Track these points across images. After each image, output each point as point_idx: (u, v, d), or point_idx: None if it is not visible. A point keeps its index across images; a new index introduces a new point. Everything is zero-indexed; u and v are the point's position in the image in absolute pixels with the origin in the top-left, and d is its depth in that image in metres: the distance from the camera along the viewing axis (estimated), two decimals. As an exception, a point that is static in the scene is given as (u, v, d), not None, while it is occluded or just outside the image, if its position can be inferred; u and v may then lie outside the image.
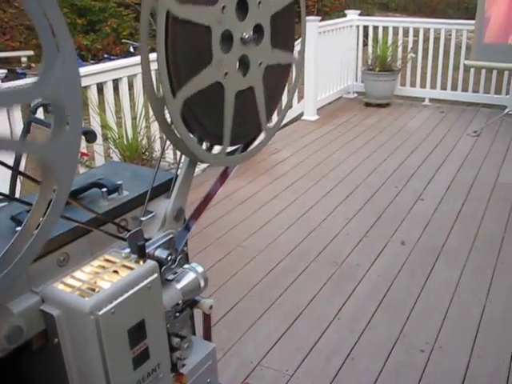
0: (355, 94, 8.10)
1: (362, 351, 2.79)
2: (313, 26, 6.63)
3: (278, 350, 2.79)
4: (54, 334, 1.04)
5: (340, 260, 3.64)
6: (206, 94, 1.13)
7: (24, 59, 12.99)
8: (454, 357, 2.73)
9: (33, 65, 13.07)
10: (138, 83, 4.46)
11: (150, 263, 1.08)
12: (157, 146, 4.47)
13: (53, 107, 0.84)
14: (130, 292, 1.02)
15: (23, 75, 11.11)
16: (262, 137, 1.37)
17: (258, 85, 1.25)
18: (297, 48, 1.40)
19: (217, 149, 1.24)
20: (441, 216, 4.27)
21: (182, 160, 1.27)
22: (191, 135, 1.16)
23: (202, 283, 1.24)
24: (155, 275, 1.07)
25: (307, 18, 6.67)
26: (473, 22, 6.58)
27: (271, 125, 1.36)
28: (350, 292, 3.28)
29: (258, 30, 1.23)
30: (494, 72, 7.09)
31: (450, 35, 7.47)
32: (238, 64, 1.21)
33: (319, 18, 6.90)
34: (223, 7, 1.12)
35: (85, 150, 3.85)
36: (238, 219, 4.20)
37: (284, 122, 6.59)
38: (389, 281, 3.40)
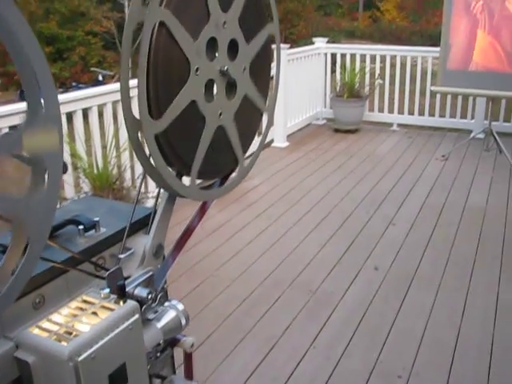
0: (324, 121, 8.17)
1: (339, 379, 2.76)
2: (282, 53, 6.68)
3: (255, 381, 2.75)
4: (30, 383, 0.98)
5: (314, 287, 3.62)
6: (185, 122, 1.13)
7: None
8: (431, 383, 2.72)
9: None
10: (108, 112, 4.43)
11: (131, 303, 1.04)
12: (127, 175, 4.42)
13: (32, 161, 0.82)
14: (111, 335, 0.98)
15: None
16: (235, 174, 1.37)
17: (230, 124, 1.26)
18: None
19: (195, 183, 1.23)
20: (413, 240, 4.30)
21: (161, 195, 1.25)
22: (169, 168, 1.15)
23: (183, 321, 1.21)
24: (136, 316, 1.04)
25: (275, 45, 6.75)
26: (437, 49, 6.72)
27: (246, 162, 1.36)
28: (326, 319, 3.26)
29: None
30: (460, 97, 7.24)
31: (416, 61, 7.61)
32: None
33: (288, 45, 6.96)
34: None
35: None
36: (211, 248, 4.17)
37: (253, 149, 6.58)
38: (364, 307, 3.39)
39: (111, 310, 1.02)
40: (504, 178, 5.76)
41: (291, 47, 7.32)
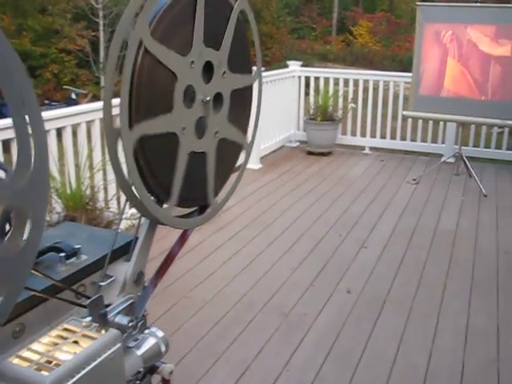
0: (297, 143, 8.24)
1: (312, 404, 2.76)
2: (256, 75, 6.72)
3: (228, 406, 2.74)
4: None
5: (287, 310, 3.63)
6: (162, 142, 1.14)
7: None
8: (403, 407, 2.74)
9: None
10: (83, 132, 4.41)
11: (113, 332, 1.04)
12: (100, 196, 4.40)
13: (16, 214, 0.82)
14: (93, 364, 0.97)
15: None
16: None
17: (211, 152, 1.27)
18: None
19: (174, 210, 1.24)
20: (384, 264, 4.34)
21: (142, 222, 1.25)
22: (149, 195, 1.15)
23: (163, 348, 1.21)
24: (118, 345, 1.03)
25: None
26: (409, 74, 6.85)
27: (218, 199, 1.38)
28: (298, 342, 3.27)
29: (219, 98, 1.25)
30: (431, 122, 7.37)
31: (388, 86, 7.74)
32: (195, 125, 1.21)
33: (263, 68, 7.01)
34: (192, 62, 1.14)
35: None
36: (184, 269, 4.15)
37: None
38: (336, 330, 3.40)
39: (93, 338, 1.02)
40: (473, 202, 5.86)
41: (265, 70, 7.38)
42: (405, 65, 16.93)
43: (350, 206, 5.67)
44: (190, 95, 1.17)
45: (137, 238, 1.23)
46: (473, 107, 6.24)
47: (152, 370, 1.26)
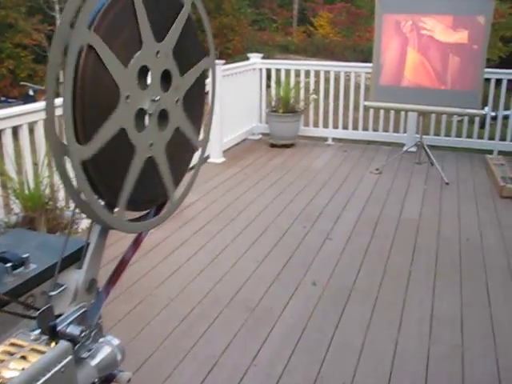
0: (260, 136, 8.21)
1: (280, 399, 2.75)
2: (217, 69, 6.67)
3: (195, 404, 2.71)
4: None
5: (253, 304, 3.61)
6: (114, 150, 1.10)
7: None
8: (370, 398, 2.75)
9: None
10: (40, 129, 4.31)
11: (63, 344, 0.99)
12: (61, 195, 4.31)
13: None
14: (42, 380, 0.92)
15: None
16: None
17: (161, 152, 1.24)
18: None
19: (123, 214, 1.19)
20: (349, 254, 4.35)
21: (93, 227, 1.20)
22: (99, 200, 1.11)
23: (119, 356, 1.17)
24: (69, 358, 0.98)
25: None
26: (370, 64, 6.88)
27: (178, 193, 1.34)
28: (266, 336, 3.25)
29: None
30: (392, 112, 7.42)
31: (349, 76, 7.77)
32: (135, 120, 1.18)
33: (223, 61, 6.98)
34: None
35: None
36: (148, 267, 4.10)
37: (190, 165, 6.55)
38: (303, 322, 3.40)
39: (42, 352, 0.97)
40: (436, 190, 5.93)
41: (227, 62, 7.34)
42: (366, 55, 17.06)
43: (314, 197, 5.68)
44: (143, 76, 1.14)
45: (88, 244, 1.18)
46: (433, 96, 6.30)
47: (109, 379, 1.22)
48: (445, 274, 4.04)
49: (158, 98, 1.18)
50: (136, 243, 1.29)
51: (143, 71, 1.17)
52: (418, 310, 3.56)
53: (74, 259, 1.20)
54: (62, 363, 0.97)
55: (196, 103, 1.39)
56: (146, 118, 1.21)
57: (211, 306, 3.60)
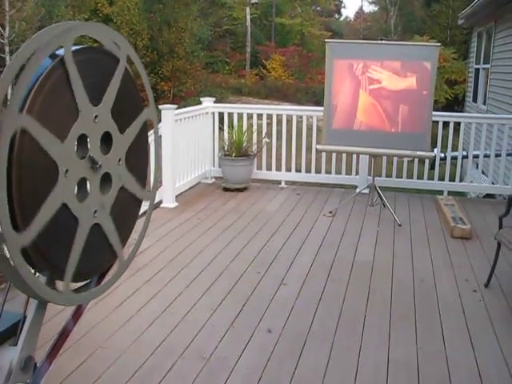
0: (213, 179, 8.18)
1: None
2: (169, 113, 6.67)
3: None
4: None
5: (207, 354, 3.51)
6: (55, 227, 1.02)
7: None
8: None
9: None
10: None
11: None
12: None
13: None
14: None
15: None
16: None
17: (107, 220, 1.17)
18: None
19: (69, 289, 1.11)
20: (304, 299, 4.30)
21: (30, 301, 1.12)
22: (38, 278, 1.03)
23: None
24: None
25: (163, 106, 6.72)
26: (321, 108, 6.96)
27: (125, 257, 1.27)
28: (220, 388, 3.15)
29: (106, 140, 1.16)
30: (344, 154, 7.51)
31: (301, 118, 7.83)
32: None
33: (175, 106, 6.97)
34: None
35: None
36: (98, 318, 3.96)
37: (141, 210, 6.45)
38: (259, 372, 3.31)
39: None
40: (389, 232, 5.97)
41: (180, 106, 7.33)
42: (318, 97, 17.38)
43: (268, 241, 5.64)
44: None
45: (25, 318, 1.08)
46: (384, 139, 6.40)
47: None
48: (400, 317, 4.02)
49: (99, 164, 1.13)
50: (76, 314, 1.20)
51: (82, 139, 1.12)
52: (375, 354, 3.51)
53: (8, 335, 1.10)
54: None
55: (140, 155, 1.34)
56: (87, 184, 1.15)
57: (164, 357, 3.48)
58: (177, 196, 7.09)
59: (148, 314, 4.04)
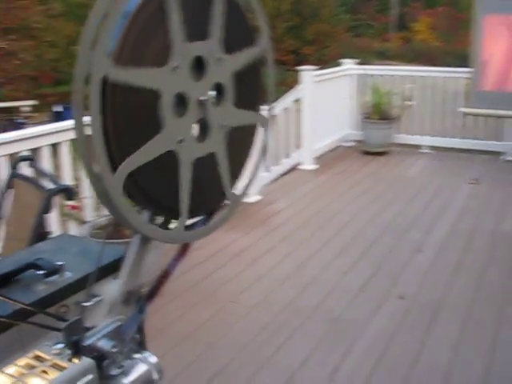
0: (353, 143, 8.02)
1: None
2: (309, 75, 6.62)
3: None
4: None
5: (335, 316, 3.48)
6: (156, 164, 1.01)
7: (26, 108, 13.02)
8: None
9: (35, 114, 13.09)
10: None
11: (86, 361, 0.92)
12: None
13: None
14: (58, 400, 0.85)
15: (22, 125, 11.14)
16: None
17: (220, 150, 1.13)
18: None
19: (182, 227, 1.10)
20: (441, 268, 4.13)
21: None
22: (139, 213, 1.04)
23: (156, 376, 1.08)
24: (90, 376, 0.91)
25: (302, 67, 6.67)
26: (469, 70, 6.56)
27: (238, 191, 1.24)
28: (346, 351, 3.12)
29: (219, 89, 1.12)
30: (490, 119, 7.03)
31: (447, 83, 7.44)
32: (195, 128, 1.09)
33: (314, 67, 6.90)
34: (175, 67, 1.01)
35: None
36: (230, 274, 4.06)
37: (281, 171, 6.51)
38: (387, 338, 3.23)
39: (63, 368, 0.91)
40: (538, 202, 5.55)
41: (322, 68, 7.25)
42: (468, 61, 16.41)
43: (406, 207, 5.46)
44: (181, 103, 1.04)
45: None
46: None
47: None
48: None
49: (204, 98, 1.08)
50: (181, 253, 1.20)
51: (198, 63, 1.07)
52: (515, 329, 3.30)
53: (112, 269, 1.13)
54: (83, 381, 0.90)
55: (253, 90, 1.27)
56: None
57: (293, 315, 3.50)
58: (316, 158, 7.05)
59: (279, 273, 4.08)
